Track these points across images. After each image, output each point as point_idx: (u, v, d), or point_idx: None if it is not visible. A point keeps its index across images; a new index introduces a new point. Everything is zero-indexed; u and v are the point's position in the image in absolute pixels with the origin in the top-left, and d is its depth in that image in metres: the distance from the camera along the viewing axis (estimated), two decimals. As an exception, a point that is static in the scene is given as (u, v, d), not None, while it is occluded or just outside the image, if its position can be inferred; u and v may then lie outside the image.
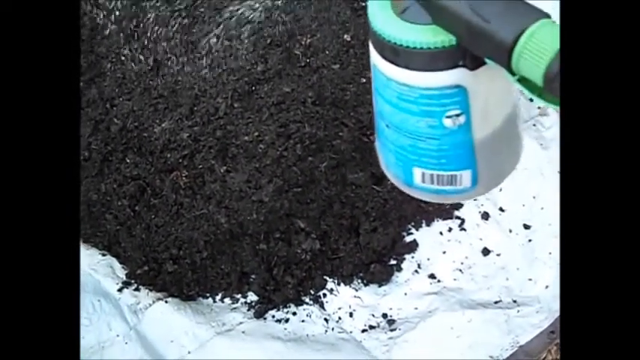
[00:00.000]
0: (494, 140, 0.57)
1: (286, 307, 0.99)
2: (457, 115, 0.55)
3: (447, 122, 0.55)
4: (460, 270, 1.00)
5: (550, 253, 0.98)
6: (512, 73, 0.47)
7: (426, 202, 1.05)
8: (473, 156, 0.57)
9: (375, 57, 0.55)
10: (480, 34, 0.47)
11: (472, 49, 0.50)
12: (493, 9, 0.47)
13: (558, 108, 0.45)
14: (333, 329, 0.96)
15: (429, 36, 0.50)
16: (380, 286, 0.99)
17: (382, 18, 0.52)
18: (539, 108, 1.18)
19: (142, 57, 1.25)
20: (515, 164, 0.63)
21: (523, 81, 0.47)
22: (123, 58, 1.26)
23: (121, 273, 1.05)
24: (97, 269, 1.05)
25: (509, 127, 0.59)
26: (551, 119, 1.13)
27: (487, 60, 0.49)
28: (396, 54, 0.52)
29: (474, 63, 0.51)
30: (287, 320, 0.98)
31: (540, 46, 0.44)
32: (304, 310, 0.99)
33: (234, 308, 1.00)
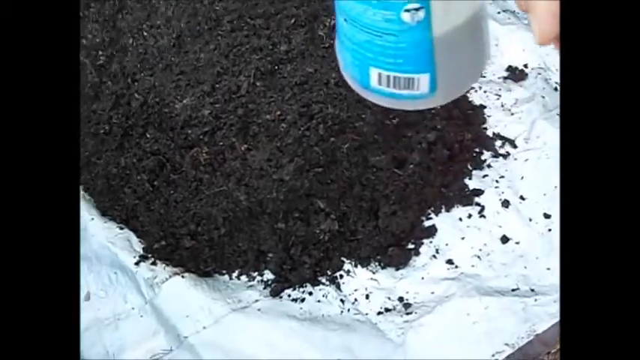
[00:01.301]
0: (455, 40, 0.55)
1: (302, 287, 0.99)
2: (416, 10, 0.53)
3: (406, 17, 0.53)
4: (478, 257, 0.99)
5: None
6: None
7: (446, 187, 1.04)
8: (432, 58, 0.55)
9: None
10: None
11: None
12: None
13: None
14: (348, 310, 0.96)
15: None
16: (397, 270, 0.99)
17: None
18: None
19: (164, 33, 1.25)
20: (478, 74, 0.61)
21: None
22: (145, 33, 1.26)
23: (139, 247, 1.05)
24: (114, 242, 1.05)
25: (473, 27, 0.57)
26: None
27: None
28: None
29: None
30: (303, 300, 0.98)
31: None
32: (320, 290, 0.98)
33: (251, 286, 1.00)
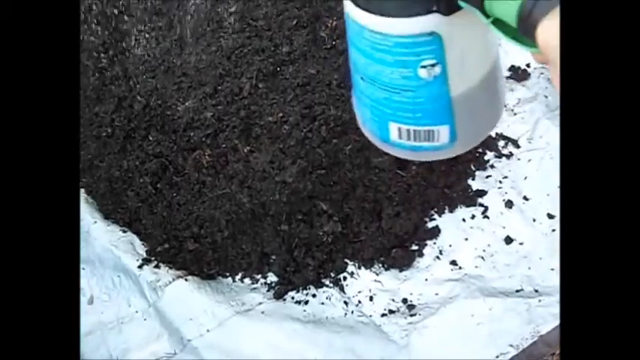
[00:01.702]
0: (473, 95, 0.56)
1: (306, 289, 0.98)
2: (432, 65, 0.53)
3: (422, 73, 0.53)
4: (482, 257, 0.99)
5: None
6: (486, 16, 0.46)
7: (449, 188, 1.04)
8: (450, 110, 0.56)
9: (348, 5, 0.53)
10: None
11: None
12: None
13: (534, 50, 0.44)
14: (352, 312, 0.96)
15: None
16: (401, 271, 0.99)
17: None
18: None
19: (165, 35, 1.25)
20: (496, 121, 0.62)
21: (497, 23, 0.46)
22: (147, 36, 1.26)
23: (142, 250, 1.05)
24: (117, 245, 1.05)
25: (489, 82, 0.57)
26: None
27: (461, 3, 0.48)
28: (370, 0, 0.51)
29: (449, 7, 0.50)
30: (306, 302, 0.97)
31: None
32: (324, 292, 0.98)
33: (254, 288, 1.00)
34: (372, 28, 0.52)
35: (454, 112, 0.56)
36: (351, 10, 0.53)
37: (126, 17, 1.30)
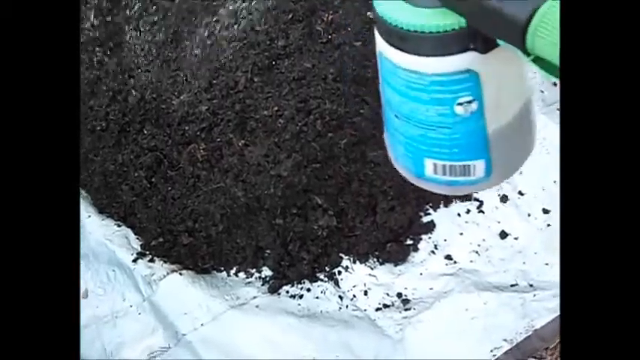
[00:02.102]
0: (508, 129, 0.56)
1: (301, 283, 0.98)
2: (469, 102, 0.53)
3: (459, 109, 0.53)
4: (477, 252, 0.99)
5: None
6: (527, 54, 0.46)
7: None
8: (486, 145, 0.55)
9: (381, 44, 0.53)
10: (491, 14, 0.45)
11: (483, 31, 0.48)
12: None
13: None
14: (347, 307, 0.96)
15: (437, 19, 0.48)
16: (395, 266, 0.99)
17: (388, 3, 0.50)
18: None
19: (161, 29, 1.24)
20: (530, 152, 0.62)
21: (538, 61, 0.46)
22: (142, 29, 1.25)
23: (136, 244, 1.05)
24: (112, 239, 1.05)
25: (524, 115, 0.57)
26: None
27: (499, 41, 0.48)
28: (404, 40, 0.50)
29: (486, 45, 0.49)
30: (301, 296, 0.97)
31: (556, 22, 0.42)
32: (319, 286, 0.98)
33: (249, 283, 1.00)
34: (407, 67, 0.52)
35: (490, 147, 0.55)
36: (384, 48, 0.53)
37: (121, 11, 1.29)
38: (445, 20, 0.48)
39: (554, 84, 1.16)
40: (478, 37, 0.49)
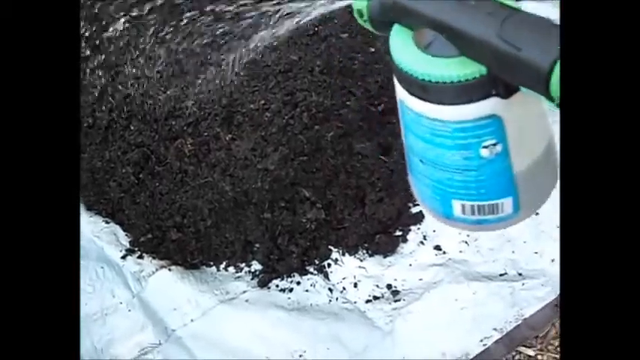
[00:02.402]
0: (535, 167, 0.56)
1: (290, 277, 0.98)
2: (494, 145, 0.53)
3: (484, 152, 0.53)
4: (466, 242, 0.99)
5: (557, 227, 0.97)
6: (551, 99, 0.45)
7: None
8: (513, 183, 0.55)
9: (402, 94, 0.52)
10: (513, 63, 0.45)
11: (505, 78, 0.48)
12: (523, 35, 0.45)
13: None
14: (337, 299, 0.96)
15: (458, 69, 0.48)
16: (385, 257, 0.99)
17: (407, 54, 0.50)
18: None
19: (147, 24, 1.24)
20: (555, 184, 0.62)
21: None
22: (127, 25, 1.25)
23: (125, 240, 1.04)
24: (100, 236, 1.04)
25: (550, 152, 0.57)
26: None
27: (523, 89, 0.47)
28: (426, 90, 0.50)
29: (507, 90, 0.49)
30: (291, 290, 0.97)
31: None
32: (308, 279, 0.98)
33: (238, 277, 1.00)
34: (430, 116, 0.51)
35: (517, 185, 0.55)
36: (404, 97, 0.52)
37: (105, 7, 1.29)
38: (466, 69, 0.48)
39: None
40: (499, 83, 0.48)
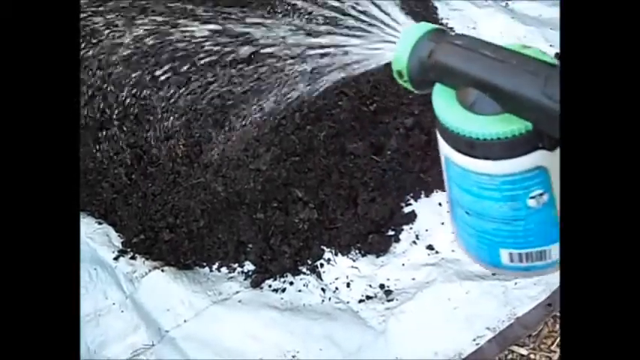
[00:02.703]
0: None
1: (283, 277, 0.98)
2: (540, 195, 0.53)
3: (532, 203, 0.53)
4: (458, 241, 0.99)
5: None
6: None
7: (425, 173, 1.04)
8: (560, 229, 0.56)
9: (447, 149, 0.53)
10: (557, 118, 0.46)
11: (550, 133, 0.48)
12: None
13: None
14: (329, 299, 0.96)
15: (504, 125, 0.49)
16: (378, 257, 0.99)
17: (452, 113, 0.51)
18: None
19: (138, 24, 1.23)
20: None
21: None
22: (119, 24, 1.24)
23: (117, 241, 1.04)
24: (93, 238, 1.04)
25: None
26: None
27: None
28: (473, 147, 0.51)
29: (553, 143, 0.50)
30: (284, 290, 0.97)
31: None
32: (301, 279, 0.98)
33: (231, 277, 1.00)
34: (477, 171, 0.52)
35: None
36: (450, 153, 0.53)
37: (98, 7, 1.28)
38: (512, 125, 0.49)
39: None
40: (545, 136, 0.49)
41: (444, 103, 0.52)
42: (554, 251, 0.57)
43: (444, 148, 0.54)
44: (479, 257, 0.61)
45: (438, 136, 0.54)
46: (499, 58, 0.50)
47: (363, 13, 0.62)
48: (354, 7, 0.64)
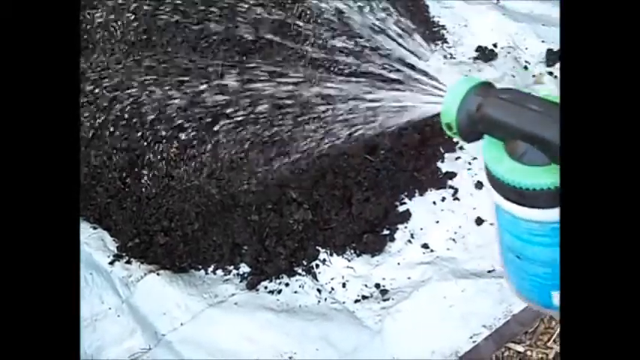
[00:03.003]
0: None
1: (279, 278, 0.98)
2: None
3: None
4: (453, 239, 0.99)
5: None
6: None
7: (419, 171, 1.04)
8: None
9: (497, 198, 0.55)
10: None
11: None
12: None
13: None
14: (325, 300, 0.96)
15: (553, 176, 0.50)
16: (373, 256, 0.99)
17: (502, 164, 0.53)
18: (534, 76, 1.17)
19: (131, 28, 1.23)
20: None
21: None
22: (112, 29, 1.24)
23: (113, 246, 1.04)
24: (88, 242, 1.04)
25: None
26: (545, 88, 1.12)
27: None
28: (523, 196, 0.53)
29: None
30: (279, 291, 0.97)
31: None
32: (297, 281, 0.98)
33: (227, 280, 0.99)
34: (528, 218, 0.53)
35: None
36: (501, 202, 0.55)
37: (91, 11, 1.28)
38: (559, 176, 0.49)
39: (525, 68, 1.17)
40: None
41: (494, 154, 0.54)
42: None
43: (495, 197, 0.55)
44: (531, 299, 0.62)
45: (489, 185, 0.55)
46: (544, 112, 0.52)
47: (410, 66, 0.64)
48: (400, 60, 0.66)
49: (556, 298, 0.59)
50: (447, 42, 1.25)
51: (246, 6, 1.19)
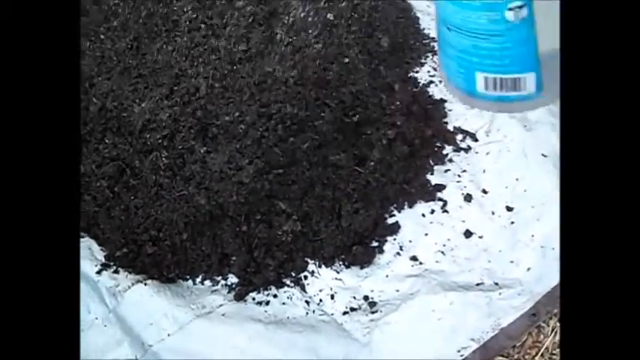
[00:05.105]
0: (558, 55, 0.56)
1: (267, 290, 0.98)
2: (519, 7, 0.53)
3: (510, 15, 0.53)
4: (442, 252, 0.99)
5: (532, 236, 0.98)
6: None
7: (408, 184, 1.04)
8: (537, 57, 0.55)
9: None
10: None
11: None
12: None
13: None
14: (314, 311, 0.96)
15: None
16: (361, 268, 0.98)
17: None
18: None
19: (120, 35, 1.23)
20: None
21: None
22: (102, 36, 1.24)
23: (100, 255, 1.03)
24: (75, 251, 1.03)
25: None
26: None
27: None
28: None
29: None
30: (267, 303, 0.97)
31: None
32: (285, 292, 0.98)
33: (215, 290, 0.99)
34: None
35: (541, 63, 0.55)
36: None
37: (80, 18, 1.28)
38: None
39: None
40: None
41: None
42: (529, 82, 0.57)
43: None
44: (457, 85, 0.61)
45: None
46: None
47: None
48: None
49: (480, 81, 0.58)
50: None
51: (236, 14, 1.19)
